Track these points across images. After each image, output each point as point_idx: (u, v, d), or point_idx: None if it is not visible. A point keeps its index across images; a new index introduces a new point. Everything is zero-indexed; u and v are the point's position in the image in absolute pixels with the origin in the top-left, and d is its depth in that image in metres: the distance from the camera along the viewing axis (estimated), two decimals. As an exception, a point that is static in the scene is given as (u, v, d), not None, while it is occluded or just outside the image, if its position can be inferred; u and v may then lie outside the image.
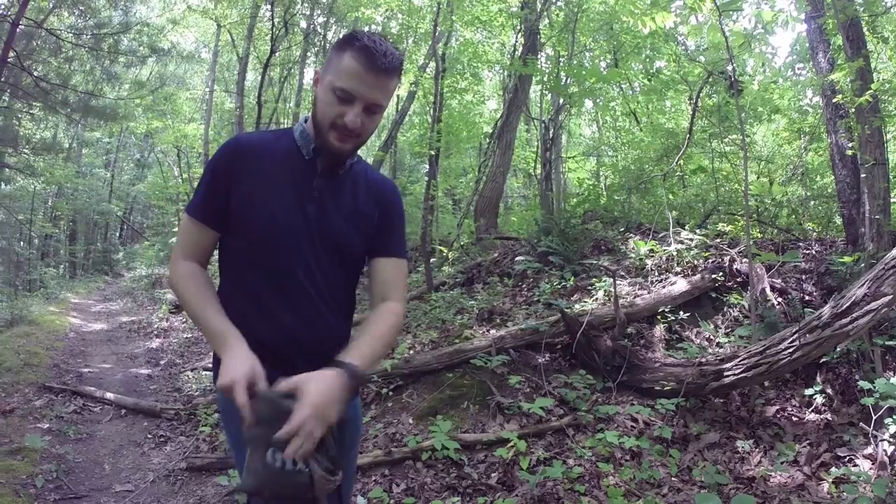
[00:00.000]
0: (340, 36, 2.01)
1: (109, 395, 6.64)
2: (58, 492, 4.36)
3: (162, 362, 8.81)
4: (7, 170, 16.56)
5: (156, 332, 11.21)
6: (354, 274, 1.99)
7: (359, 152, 1.95)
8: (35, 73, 11.74)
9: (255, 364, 1.60)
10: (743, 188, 6.10)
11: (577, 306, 6.29)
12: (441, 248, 12.43)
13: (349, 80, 1.68)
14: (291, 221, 1.80)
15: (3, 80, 10.66)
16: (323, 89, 1.75)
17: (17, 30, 10.39)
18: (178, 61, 19.97)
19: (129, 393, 6.97)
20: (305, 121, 1.89)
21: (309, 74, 20.97)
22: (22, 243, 22.86)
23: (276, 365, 1.69)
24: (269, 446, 1.50)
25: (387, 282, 1.97)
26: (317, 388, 1.53)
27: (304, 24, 17.84)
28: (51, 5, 12.59)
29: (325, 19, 18.06)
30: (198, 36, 26.40)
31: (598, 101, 12.73)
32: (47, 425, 5.55)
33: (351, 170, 1.93)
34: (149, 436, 5.67)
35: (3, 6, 12.02)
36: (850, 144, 6.34)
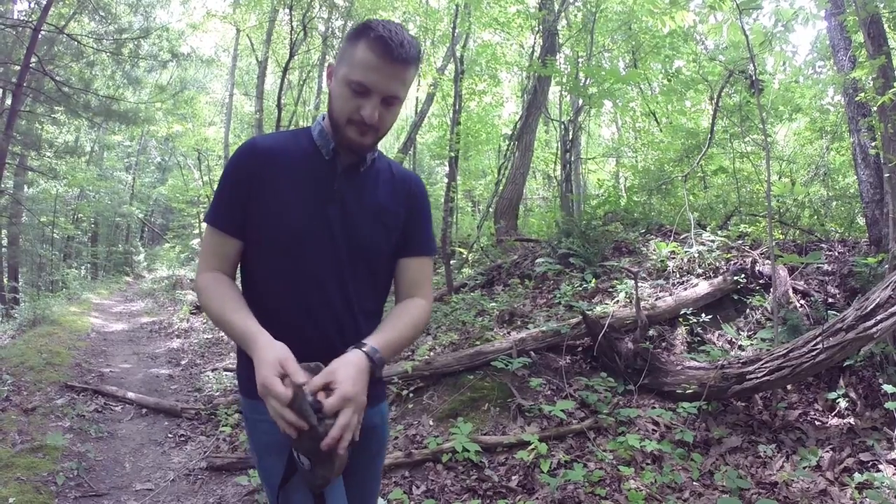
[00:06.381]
0: (353, 26, 1.93)
1: (130, 395, 6.69)
2: (78, 489, 4.39)
3: (183, 362, 8.87)
4: (30, 173, 16.82)
5: (176, 333, 11.29)
6: (384, 281, 1.92)
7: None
8: (57, 78, 11.94)
9: (287, 353, 1.52)
10: (765, 189, 6.04)
11: (598, 308, 6.24)
12: (461, 249, 12.42)
13: (364, 73, 1.60)
14: (314, 228, 1.72)
15: (25, 84, 10.81)
16: (337, 83, 1.67)
17: (39, 35, 10.54)
18: (198, 65, 20.19)
19: (150, 392, 7.02)
20: (323, 118, 1.80)
21: (327, 78, 21.07)
22: (45, 245, 23.21)
23: None
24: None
25: (414, 281, 1.90)
26: (349, 378, 1.49)
27: (322, 27, 17.93)
28: (72, 11, 12.77)
29: (343, 22, 18.14)
30: (217, 40, 26.72)
31: (617, 101, 12.62)
32: (69, 423, 5.60)
33: (373, 166, 1.85)
34: (169, 435, 5.71)
35: (24, 12, 12.22)
36: (872, 144, 6.25)
